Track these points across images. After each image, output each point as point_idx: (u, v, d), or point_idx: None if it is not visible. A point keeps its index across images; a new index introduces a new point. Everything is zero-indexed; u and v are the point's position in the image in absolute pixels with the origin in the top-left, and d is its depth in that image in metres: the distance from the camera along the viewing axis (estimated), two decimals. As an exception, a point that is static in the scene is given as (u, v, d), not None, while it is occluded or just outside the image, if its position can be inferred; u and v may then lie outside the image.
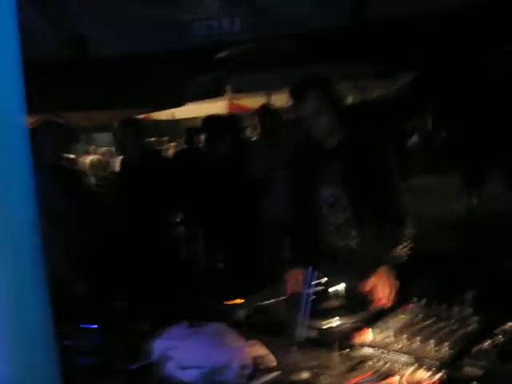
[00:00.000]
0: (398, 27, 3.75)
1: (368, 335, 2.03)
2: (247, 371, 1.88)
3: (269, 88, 6.62)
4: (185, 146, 7.29)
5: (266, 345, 2.01)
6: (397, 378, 1.77)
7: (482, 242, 4.56)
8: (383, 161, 2.57)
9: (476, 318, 2.07)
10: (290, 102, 2.62)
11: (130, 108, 5.60)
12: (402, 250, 2.48)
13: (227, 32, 3.07)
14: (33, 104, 1.35)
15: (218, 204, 4.34)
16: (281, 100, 6.03)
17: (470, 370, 1.74)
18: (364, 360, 1.92)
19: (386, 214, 2.54)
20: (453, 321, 2.07)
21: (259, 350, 1.98)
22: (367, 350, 1.95)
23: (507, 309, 2.10)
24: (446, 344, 1.86)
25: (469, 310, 2.13)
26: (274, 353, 1.99)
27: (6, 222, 1.16)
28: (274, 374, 1.90)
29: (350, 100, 7.41)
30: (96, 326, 2.34)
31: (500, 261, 3.70)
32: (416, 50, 5.21)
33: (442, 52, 5.43)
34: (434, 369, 1.76)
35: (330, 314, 2.26)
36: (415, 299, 2.28)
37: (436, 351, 1.84)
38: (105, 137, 12.29)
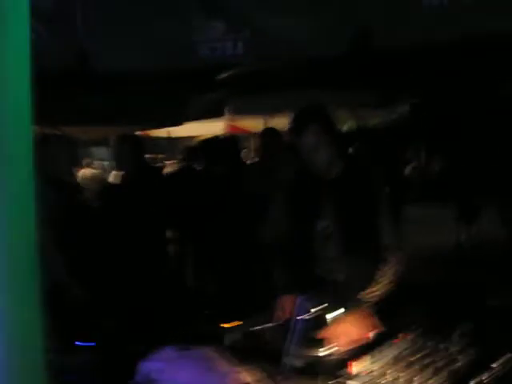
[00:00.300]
0: (398, 56, 3.80)
1: (365, 364, 2.01)
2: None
3: (268, 111, 6.66)
4: (182, 165, 7.28)
5: (254, 371, 2.00)
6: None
7: (476, 276, 4.57)
8: (378, 195, 2.56)
9: (470, 351, 2.05)
10: (290, 135, 2.63)
11: (129, 124, 5.62)
12: (373, 292, 2.39)
13: (230, 54, 3.10)
14: (37, 117, 1.36)
15: (212, 225, 4.32)
16: (279, 123, 6.06)
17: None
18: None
19: (370, 252, 2.50)
20: (447, 354, 2.05)
21: (249, 376, 1.96)
22: (363, 380, 1.94)
23: (502, 342, 2.09)
24: (440, 377, 1.85)
25: (463, 343, 2.12)
26: (262, 380, 1.97)
27: (5, 233, 1.17)
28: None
29: (347, 128, 7.45)
30: (88, 344, 2.31)
31: (495, 294, 3.70)
32: (415, 80, 5.27)
33: (441, 82, 5.49)
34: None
35: (321, 342, 2.25)
36: (408, 331, 2.27)
37: (434, 382, 1.82)
38: (100, 150, 12.26)
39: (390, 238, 2.53)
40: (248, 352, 2.26)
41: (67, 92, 3.94)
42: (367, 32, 2.85)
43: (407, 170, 9.30)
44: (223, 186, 4.44)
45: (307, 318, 2.21)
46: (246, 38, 3.07)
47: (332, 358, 2.13)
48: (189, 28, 3.00)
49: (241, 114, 6.83)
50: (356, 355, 2.07)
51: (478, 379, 1.86)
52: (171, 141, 10.13)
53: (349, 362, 2.02)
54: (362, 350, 2.11)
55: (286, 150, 4.48)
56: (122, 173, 4.42)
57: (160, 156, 12.37)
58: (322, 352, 2.17)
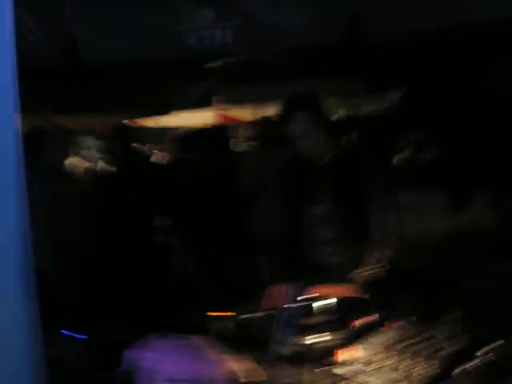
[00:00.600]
0: (388, 44, 3.79)
1: (352, 352, 2.02)
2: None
3: (258, 100, 6.63)
4: (170, 154, 7.23)
5: (243, 360, 2.00)
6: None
7: (469, 261, 4.58)
8: (371, 179, 2.58)
9: (463, 337, 2.06)
10: (279, 123, 2.64)
11: (116, 113, 5.58)
12: (362, 273, 2.44)
13: (219, 43, 3.08)
14: (23, 107, 1.34)
15: (204, 215, 4.31)
16: (269, 112, 6.04)
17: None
18: (347, 377, 1.91)
19: (363, 234, 2.54)
20: (434, 342, 2.06)
21: (237, 364, 1.97)
22: (350, 368, 1.94)
23: (495, 328, 2.10)
24: (427, 365, 1.86)
25: (456, 329, 2.13)
26: (250, 368, 1.98)
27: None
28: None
29: (339, 116, 7.44)
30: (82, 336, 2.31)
31: (487, 280, 3.73)
32: (407, 67, 5.25)
33: (433, 70, 5.48)
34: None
35: (313, 329, 2.25)
36: (396, 319, 2.28)
37: (421, 370, 1.84)
38: (89, 140, 12.17)
39: (380, 221, 2.56)
40: (237, 341, 2.26)
41: (54, 81, 3.90)
42: (356, 20, 2.85)
43: (399, 157, 9.29)
44: (212, 175, 4.42)
45: (294, 306, 2.22)
46: (235, 26, 3.05)
47: (319, 346, 2.14)
48: (178, 16, 2.98)
49: (231, 103, 6.80)
50: (343, 343, 2.07)
51: (465, 366, 1.87)
52: (160, 130, 10.05)
53: (335, 350, 2.02)
54: (349, 339, 2.12)
55: (278, 138, 4.48)
56: (109, 162, 4.40)
57: (148, 145, 12.28)
58: (309, 340, 2.18)
